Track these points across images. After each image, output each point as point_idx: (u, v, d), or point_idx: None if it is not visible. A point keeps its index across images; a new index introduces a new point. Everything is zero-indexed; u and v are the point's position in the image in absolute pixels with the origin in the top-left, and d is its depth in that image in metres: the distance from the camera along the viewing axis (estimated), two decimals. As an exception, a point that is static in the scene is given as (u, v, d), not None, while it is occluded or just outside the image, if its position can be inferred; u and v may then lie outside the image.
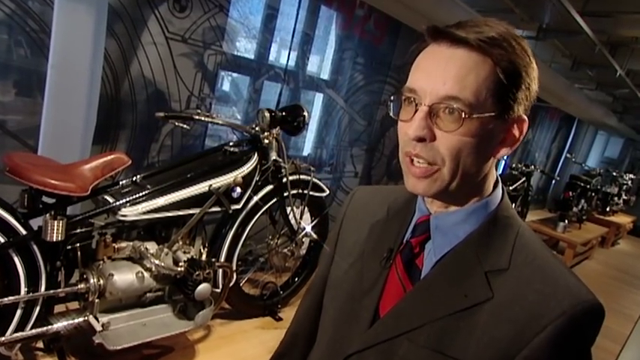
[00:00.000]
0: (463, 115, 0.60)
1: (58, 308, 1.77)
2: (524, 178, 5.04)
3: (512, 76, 0.61)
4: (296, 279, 2.73)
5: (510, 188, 4.70)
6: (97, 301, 1.73)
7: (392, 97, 0.69)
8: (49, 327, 1.66)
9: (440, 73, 0.60)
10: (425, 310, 0.66)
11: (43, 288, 1.63)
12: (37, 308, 1.65)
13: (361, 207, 0.86)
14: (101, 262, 1.77)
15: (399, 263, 0.73)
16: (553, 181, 8.40)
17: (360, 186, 0.93)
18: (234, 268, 2.21)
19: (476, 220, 0.68)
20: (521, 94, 0.63)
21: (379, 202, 0.83)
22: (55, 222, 1.60)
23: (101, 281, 1.72)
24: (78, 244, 1.73)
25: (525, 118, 0.66)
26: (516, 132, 0.66)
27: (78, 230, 1.72)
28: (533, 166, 5.27)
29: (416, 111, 0.63)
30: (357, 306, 0.75)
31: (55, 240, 1.61)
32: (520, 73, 0.62)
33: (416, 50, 0.66)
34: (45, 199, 1.65)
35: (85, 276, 1.73)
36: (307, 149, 3.71)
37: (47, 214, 1.62)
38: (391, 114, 0.69)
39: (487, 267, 0.65)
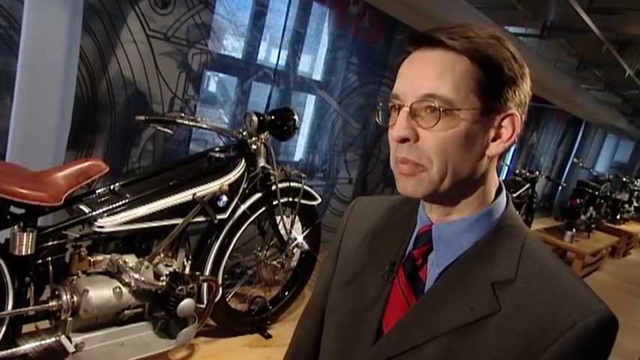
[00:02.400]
0: (441, 110, 0.64)
1: (27, 328, 1.74)
2: (528, 185, 5.07)
3: (491, 71, 0.65)
4: (286, 293, 2.71)
5: (513, 195, 4.73)
6: (70, 319, 1.70)
7: (380, 105, 0.74)
8: (17, 349, 1.63)
9: (418, 75, 0.66)
10: (430, 325, 0.67)
11: (10, 306, 1.60)
12: (3, 328, 1.62)
13: (362, 219, 0.88)
14: (75, 277, 1.75)
15: (402, 276, 0.74)
16: (559, 188, 8.46)
17: (360, 197, 0.95)
18: (220, 282, 2.20)
19: (479, 229, 0.70)
20: (505, 89, 0.66)
21: (380, 214, 0.85)
22: (25, 234, 1.58)
23: (75, 298, 1.69)
24: (49, 258, 1.70)
25: (516, 113, 0.68)
26: (508, 128, 0.68)
27: (50, 243, 1.70)
28: (537, 172, 5.32)
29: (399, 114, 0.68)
30: (360, 322, 0.76)
31: (24, 254, 1.59)
32: (500, 67, 0.65)
33: (400, 60, 0.71)
34: (13, 209, 1.62)
35: (57, 292, 1.70)
36: (298, 154, 3.71)
37: (16, 226, 1.60)
38: (379, 122, 0.74)
39: (493, 278, 0.66)
